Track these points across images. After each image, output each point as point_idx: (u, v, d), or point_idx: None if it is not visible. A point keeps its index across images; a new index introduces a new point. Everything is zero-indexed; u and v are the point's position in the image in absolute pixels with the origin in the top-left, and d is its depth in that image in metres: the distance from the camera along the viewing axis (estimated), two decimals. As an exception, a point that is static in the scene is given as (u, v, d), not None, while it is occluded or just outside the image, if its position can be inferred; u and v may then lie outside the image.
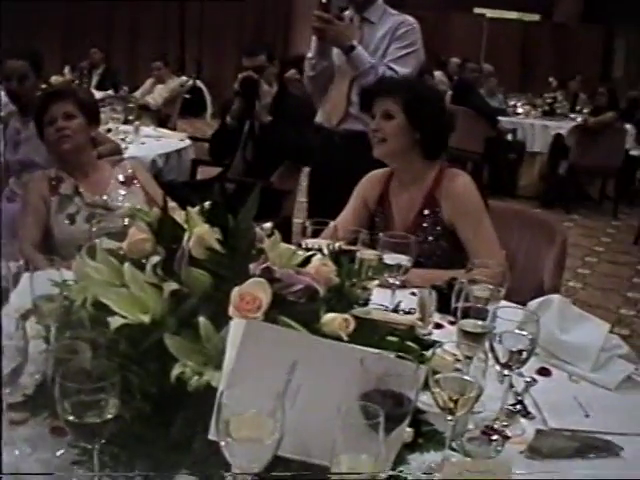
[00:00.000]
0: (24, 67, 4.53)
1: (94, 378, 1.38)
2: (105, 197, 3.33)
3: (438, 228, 3.00)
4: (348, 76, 4.12)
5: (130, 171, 3.49)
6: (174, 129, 9.25)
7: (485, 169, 10.15)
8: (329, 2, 3.96)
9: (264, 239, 1.76)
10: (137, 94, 9.86)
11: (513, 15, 18.28)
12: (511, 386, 1.85)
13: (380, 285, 2.22)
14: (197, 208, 1.79)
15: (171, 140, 6.22)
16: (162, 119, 9.60)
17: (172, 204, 1.89)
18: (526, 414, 1.84)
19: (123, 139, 5.83)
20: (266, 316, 1.54)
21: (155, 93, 9.90)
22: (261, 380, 1.40)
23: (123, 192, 3.36)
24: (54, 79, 8.09)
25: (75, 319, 1.68)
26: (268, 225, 1.87)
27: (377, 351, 1.49)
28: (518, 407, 1.85)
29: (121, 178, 3.44)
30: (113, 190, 3.37)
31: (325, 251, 1.93)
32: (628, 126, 9.87)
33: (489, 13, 17.78)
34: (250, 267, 1.62)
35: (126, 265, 1.68)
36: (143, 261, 1.72)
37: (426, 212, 3.03)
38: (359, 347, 1.50)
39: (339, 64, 4.18)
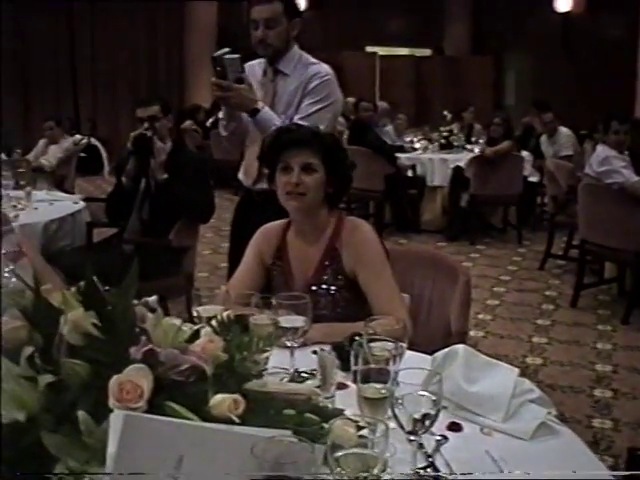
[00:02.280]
0: None
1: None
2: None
3: (340, 278, 2.91)
4: (260, 136, 4.01)
5: (17, 244, 3.33)
6: (72, 189, 9.08)
7: (387, 207, 10.19)
8: (224, 69, 3.79)
9: (146, 317, 1.65)
10: (30, 156, 9.63)
11: (405, 51, 18.57)
12: (421, 446, 1.77)
13: (279, 346, 2.15)
14: (74, 289, 1.68)
15: (65, 203, 6.03)
16: (58, 180, 9.39)
17: (48, 286, 1.76)
18: (438, 477, 1.76)
19: (15, 206, 5.64)
20: (150, 403, 1.43)
21: (49, 154, 9.68)
22: (146, 477, 1.29)
23: (9, 268, 3.19)
24: None
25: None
26: (154, 299, 1.76)
27: (270, 434, 1.39)
28: (429, 470, 1.77)
29: (7, 253, 3.28)
30: None
31: (214, 322, 1.83)
32: (524, 153, 10.03)
33: (381, 51, 18.02)
34: (131, 351, 1.51)
35: (-1, 359, 1.56)
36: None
37: (326, 263, 2.94)
38: (249, 431, 1.40)
39: (251, 124, 4.05)
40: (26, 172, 6.53)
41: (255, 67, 4.16)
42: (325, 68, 4.09)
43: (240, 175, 4.29)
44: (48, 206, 5.94)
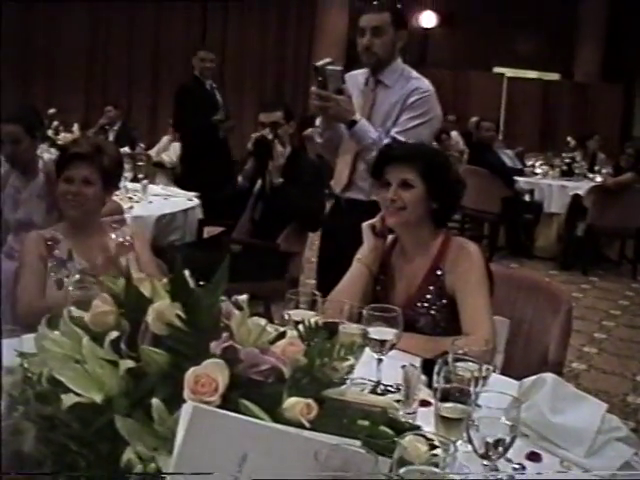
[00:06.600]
0: (17, 131, 4.49)
1: (32, 462, 1.29)
2: (98, 263, 3.22)
3: (442, 298, 2.89)
4: (354, 146, 4.06)
5: (129, 237, 3.40)
6: (190, 186, 9.26)
7: (502, 230, 10.07)
8: (325, 79, 3.84)
9: (232, 314, 1.66)
10: (153, 151, 9.87)
11: (533, 74, 18.30)
12: (496, 472, 1.73)
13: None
14: (165, 280, 1.70)
15: (179, 199, 6.16)
16: (177, 176, 9.60)
17: (141, 275, 1.80)
18: (509, 504, 1.72)
19: (131, 198, 5.80)
20: (225, 399, 1.45)
21: (171, 150, 9.92)
22: (209, 471, 1.30)
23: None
24: (62, 136, 8.09)
25: (25, 396, 1.59)
26: (244, 297, 1.77)
27: (335, 441, 1.38)
28: (501, 497, 1.73)
29: (118, 244, 3.36)
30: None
31: (301, 327, 1.83)
32: (648, 186, 9.76)
33: (509, 72, 17.81)
34: (211, 346, 1.53)
35: (85, 339, 1.59)
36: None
37: (430, 283, 2.92)
38: (316, 436, 1.39)
39: (346, 133, 4.09)
40: (145, 166, 6.68)
41: (357, 76, 4.21)
42: (426, 84, 4.11)
43: (332, 182, 4.35)
44: (163, 200, 6.08)
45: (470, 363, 1.96)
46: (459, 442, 1.75)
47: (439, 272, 2.91)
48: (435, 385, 1.90)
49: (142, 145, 9.65)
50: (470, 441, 1.62)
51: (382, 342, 2.22)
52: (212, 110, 8.12)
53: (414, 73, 4.16)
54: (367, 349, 2.17)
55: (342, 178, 4.18)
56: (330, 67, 3.86)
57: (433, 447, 1.54)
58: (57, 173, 3.37)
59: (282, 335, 1.71)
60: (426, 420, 1.90)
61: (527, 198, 9.96)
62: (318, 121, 4.21)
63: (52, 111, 10.73)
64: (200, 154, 7.95)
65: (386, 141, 3.87)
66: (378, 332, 2.22)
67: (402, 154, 3.00)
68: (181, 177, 8.69)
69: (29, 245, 3.31)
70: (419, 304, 2.91)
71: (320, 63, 3.89)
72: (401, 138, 3.89)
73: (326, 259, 4.41)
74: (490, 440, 1.59)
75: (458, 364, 1.95)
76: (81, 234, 3.34)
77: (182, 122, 8.45)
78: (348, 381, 1.86)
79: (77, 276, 3.09)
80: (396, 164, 2.94)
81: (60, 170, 3.34)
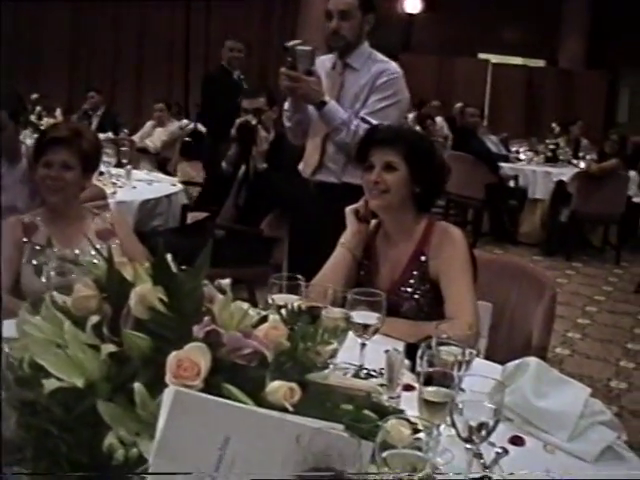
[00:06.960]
0: (1, 117, 4.44)
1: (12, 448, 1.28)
2: (77, 251, 3.19)
3: (425, 283, 2.89)
4: (324, 128, 4.06)
5: (110, 223, 3.38)
6: (174, 172, 9.23)
7: (486, 215, 10.08)
8: (295, 59, 3.83)
9: (215, 298, 1.65)
10: (136, 137, 9.82)
11: (518, 61, 18.29)
12: (479, 456, 1.73)
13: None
14: (147, 265, 1.69)
15: (163, 185, 6.14)
16: (161, 162, 9.56)
17: (123, 259, 1.78)
18: (492, 489, 1.72)
19: (114, 183, 5.77)
20: (207, 383, 1.44)
21: (154, 136, 9.87)
22: (192, 455, 1.29)
23: (97, 246, 3.20)
24: (45, 121, 8.04)
25: (6, 381, 1.58)
26: (227, 282, 1.76)
27: (317, 426, 1.37)
28: (484, 481, 1.73)
29: (98, 230, 3.33)
30: (87, 243, 3.22)
31: (283, 311, 1.82)
32: (632, 173, 9.76)
33: (494, 59, 17.79)
34: (194, 329, 1.52)
35: (67, 324, 1.58)
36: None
37: (413, 268, 2.92)
38: (298, 420, 1.39)
39: (315, 115, 4.10)
40: (129, 151, 6.65)
41: (325, 61, 4.23)
42: (393, 66, 4.14)
43: (300, 166, 4.34)
44: (146, 186, 6.06)
45: (453, 347, 1.96)
46: (442, 426, 1.75)
47: (423, 257, 2.91)
48: (418, 369, 1.90)
49: (126, 130, 9.58)
50: (453, 425, 1.62)
51: (365, 326, 2.21)
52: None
53: (380, 56, 4.18)
54: (350, 333, 2.17)
55: (312, 160, 4.18)
56: (300, 47, 3.85)
57: (416, 431, 1.54)
58: (35, 158, 3.34)
59: (264, 319, 1.70)
60: (410, 404, 1.90)
61: (511, 184, 9.94)
62: (287, 104, 4.19)
63: (35, 96, 10.67)
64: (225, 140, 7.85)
65: (355, 122, 3.92)
66: (362, 316, 2.21)
67: (386, 137, 3.00)
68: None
69: (5, 231, 3.28)
70: (403, 289, 2.91)
71: (290, 43, 3.89)
72: (370, 119, 3.90)
73: (296, 242, 4.40)
74: (473, 424, 1.59)
75: (441, 348, 1.94)
76: (61, 220, 3.31)
77: (208, 110, 8.33)
78: (331, 365, 1.85)
79: (56, 262, 3.08)
80: (380, 147, 2.94)
81: (39, 155, 3.31)
